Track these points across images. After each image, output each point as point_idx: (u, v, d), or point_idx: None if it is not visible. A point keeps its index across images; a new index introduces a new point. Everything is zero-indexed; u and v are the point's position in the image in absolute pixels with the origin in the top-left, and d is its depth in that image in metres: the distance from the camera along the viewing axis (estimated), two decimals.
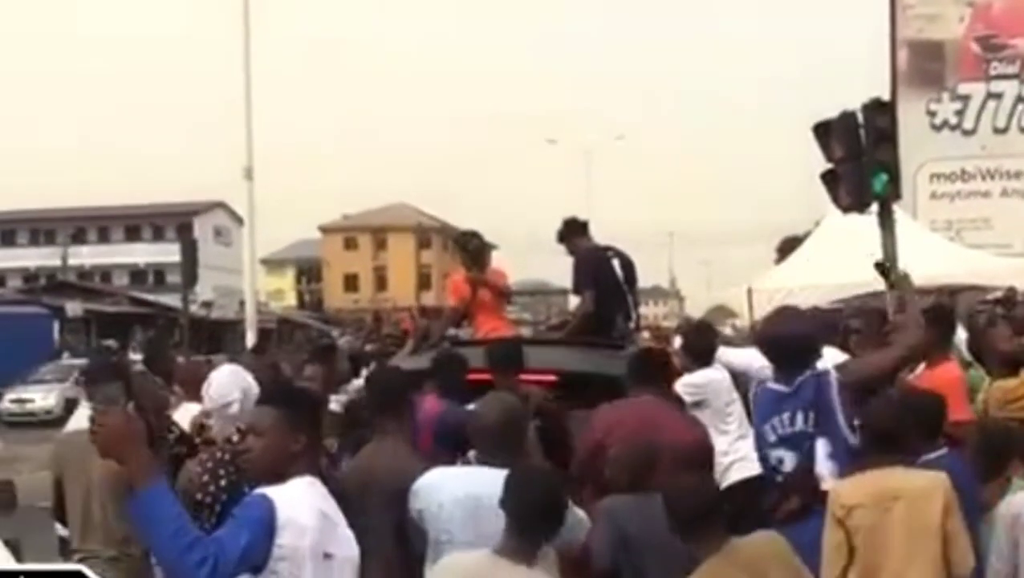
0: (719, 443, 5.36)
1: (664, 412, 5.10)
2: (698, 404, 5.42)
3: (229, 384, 4.74)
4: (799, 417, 4.64)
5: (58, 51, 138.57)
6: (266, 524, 3.06)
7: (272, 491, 3.14)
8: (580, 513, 4.31)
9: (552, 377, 5.74)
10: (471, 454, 4.43)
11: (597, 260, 7.28)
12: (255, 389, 4.60)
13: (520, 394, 5.04)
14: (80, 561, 4.92)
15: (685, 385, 5.51)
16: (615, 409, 5.10)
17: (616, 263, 7.16)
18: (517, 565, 3.51)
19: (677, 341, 7.22)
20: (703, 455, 4.76)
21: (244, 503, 3.20)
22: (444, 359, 5.75)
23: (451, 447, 4.78)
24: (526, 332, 12.89)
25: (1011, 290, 13.53)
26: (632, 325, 6.96)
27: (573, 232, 7.52)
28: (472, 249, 7.70)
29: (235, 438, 4.32)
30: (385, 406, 4.66)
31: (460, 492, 4.02)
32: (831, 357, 5.19)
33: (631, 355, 5.58)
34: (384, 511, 4.26)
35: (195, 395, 7.47)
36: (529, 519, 3.58)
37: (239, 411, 4.53)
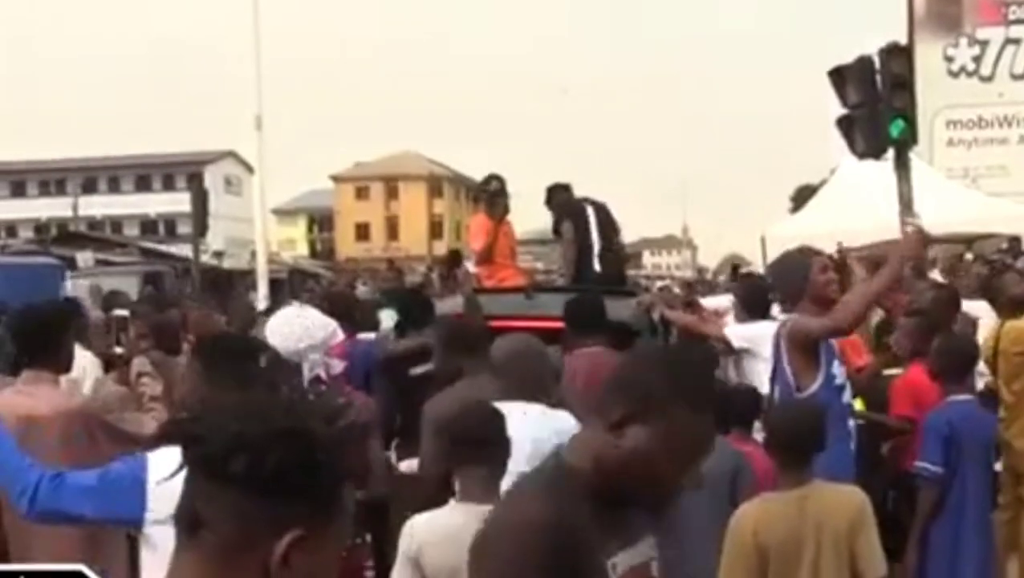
0: None
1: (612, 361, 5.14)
2: (748, 353, 5.43)
3: (298, 329, 4.60)
4: None
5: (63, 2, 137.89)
6: (132, 475, 2.87)
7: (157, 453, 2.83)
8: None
9: (563, 324, 5.75)
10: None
11: (570, 204, 7.40)
12: (318, 329, 4.47)
13: None
14: None
15: (734, 334, 5.56)
16: (571, 360, 5.13)
17: (590, 210, 7.14)
18: (477, 505, 3.09)
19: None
20: None
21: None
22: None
23: None
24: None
25: (1016, 240, 13.54)
26: (598, 270, 6.93)
27: (555, 194, 7.63)
28: (491, 191, 7.74)
29: (323, 375, 4.41)
30: (464, 349, 4.76)
31: (528, 435, 3.69)
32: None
33: (570, 304, 5.57)
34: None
35: None
36: (466, 452, 3.41)
37: (317, 354, 4.45)
